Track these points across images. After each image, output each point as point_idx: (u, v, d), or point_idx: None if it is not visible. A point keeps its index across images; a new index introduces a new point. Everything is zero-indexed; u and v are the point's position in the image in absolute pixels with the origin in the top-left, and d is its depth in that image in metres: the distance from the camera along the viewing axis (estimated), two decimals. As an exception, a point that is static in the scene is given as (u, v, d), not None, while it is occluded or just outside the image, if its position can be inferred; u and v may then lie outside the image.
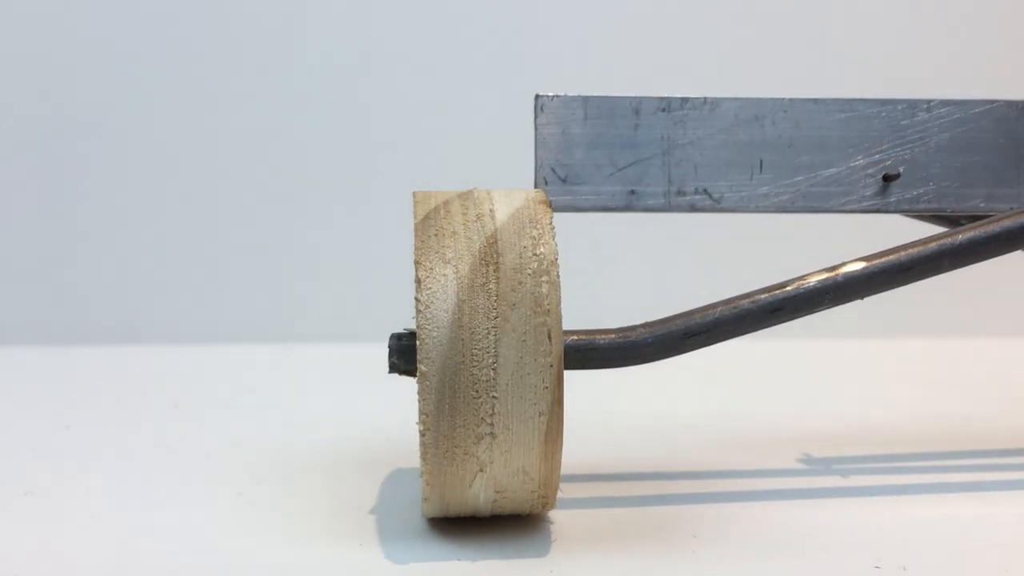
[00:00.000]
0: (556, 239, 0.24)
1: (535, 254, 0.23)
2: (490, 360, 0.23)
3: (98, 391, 0.45)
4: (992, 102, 0.28)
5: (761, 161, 0.28)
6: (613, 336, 0.25)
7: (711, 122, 0.28)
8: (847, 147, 0.28)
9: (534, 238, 0.24)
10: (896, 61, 0.57)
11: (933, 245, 0.26)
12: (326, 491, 0.29)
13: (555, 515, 0.27)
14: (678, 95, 0.28)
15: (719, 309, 0.26)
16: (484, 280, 0.23)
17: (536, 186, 0.28)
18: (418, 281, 0.23)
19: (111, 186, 0.57)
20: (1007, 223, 0.27)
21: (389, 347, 0.25)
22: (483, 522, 0.26)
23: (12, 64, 0.56)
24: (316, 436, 0.36)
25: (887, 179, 0.28)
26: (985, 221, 0.27)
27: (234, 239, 0.58)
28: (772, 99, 0.28)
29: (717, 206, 0.28)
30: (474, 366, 0.23)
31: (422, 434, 0.23)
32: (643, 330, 0.25)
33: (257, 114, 0.57)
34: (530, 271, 0.23)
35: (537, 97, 0.28)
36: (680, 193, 0.28)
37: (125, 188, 0.57)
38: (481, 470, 0.23)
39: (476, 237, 0.23)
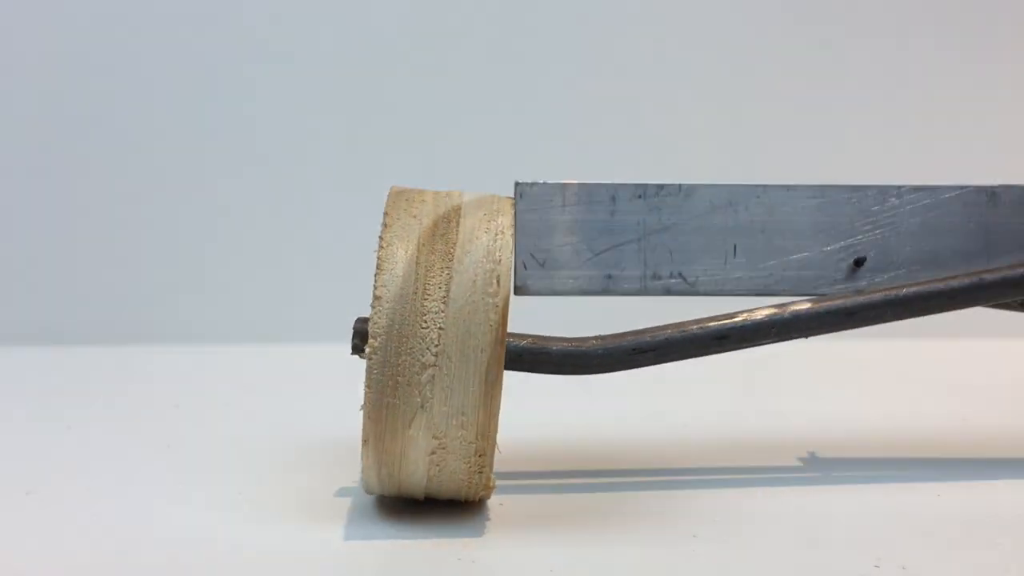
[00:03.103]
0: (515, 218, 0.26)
1: (492, 220, 0.26)
2: (441, 294, 0.25)
3: (98, 391, 0.46)
4: (961, 187, 0.29)
5: (735, 246, 0.29)
6: (566, 344, 0.27)
7: (686, 208, 0.29)
8: (819, 232, 0.29)
9: (493, 211, 0.26)
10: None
11: (878, 295, 0.28)
12: (328, 491, 0.30)
13: (552, 510, 0.28)
14: (654, 182, 0.29)
15: (669, 331, 0.27)
16: (445, 231, 0.26)
17: (516, 271, 0.29)
18: (384, 226, 0.26)
19: (111, 186, 0.58)
20: (952, 283, 0.28)
21: (354, 329, 0.26)
22: (461, 513, 0.27)
23: (12, 64, 0.56)
24: (317, 435, 0.36)
25: (857, 264, 0.29)
26: (932, 279, 0.28)
27: (235, 239, 0.58)
28: (745, 186, 0.29)
29: (692, 290, 0.29)
30: (426, 298, 0.25)
31: (369, 357, 0.25)
32: (595, 342, 0.27)
33: (258, 115, 0.57)
34: (486, 229, 0.26)
35: (517, 184, 0.28)
36: (656, 277, 0.29)
37: (125, 188, 0.58)
38: (422, 406, 0.25)
39: (442, 205, 0.27)
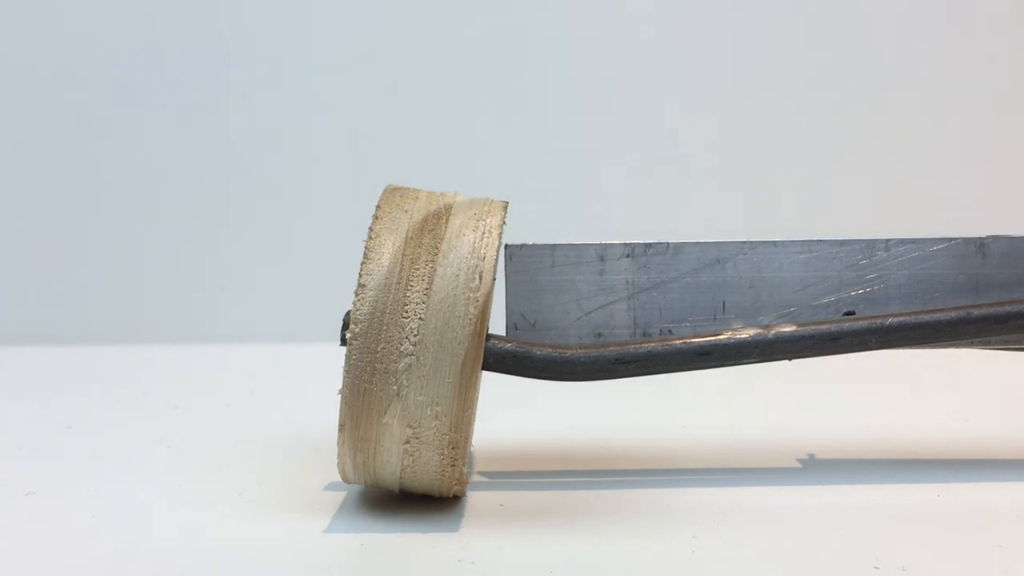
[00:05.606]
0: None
1: (481, 220, 0.27)
2: (424, 286, 0.25)
3: (98, 391, 0.46)
4: (950, 239, 0.29)
5: (724, 302, 0.29)
6: (549, 349, 0.27)
7: (674, 266, 0.29)
8: (807, 286, 0.29)
9: (484, 211, 0.27)
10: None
11: (863, 322, 0.28)
12: (330, 492, 0.30)
13: (553, 510, 0.28)
14: (641, 241, 0.29)
15: (652, 344, 0.28)
16: (433, 227, 0.26)
17: (507, 331, 0.29)
18: (375, 218, 0.27)
19: (111, 186, 0.58)
20: (939, 315, 0.28)
21: (343, 322, 0.27)
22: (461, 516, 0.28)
23: (12, 64, 0.56)
24: (317, 436, 0.36)
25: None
26: (920, 310, 0.28)
27: (235, 239, 0.59)
28: (733, 242, 0.29)
29: (682, 346, 0.29)
30: (409, 289, 0.26)
31: (349, 343, 0.25)
32: (579, 349, 0.28)
33: (259, 115, 0.57)
34: (473, 228, 0.26)
35: (506, 247, 0.28)
36: (645, 335, 0.29)
37: (124, 187, 0.58)
38: (398, 394, 0.25)
39: (435, 203, 0.27)
